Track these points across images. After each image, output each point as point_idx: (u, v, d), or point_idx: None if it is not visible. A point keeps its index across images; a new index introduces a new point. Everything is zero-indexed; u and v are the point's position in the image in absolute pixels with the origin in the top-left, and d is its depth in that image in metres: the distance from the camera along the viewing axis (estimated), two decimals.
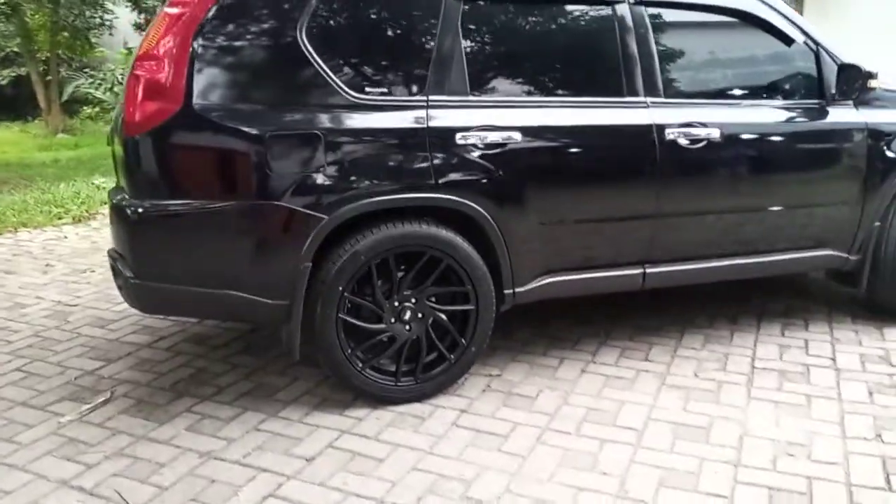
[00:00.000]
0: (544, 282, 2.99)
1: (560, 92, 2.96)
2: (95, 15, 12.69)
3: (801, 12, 7.75)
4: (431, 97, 2.71)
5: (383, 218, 2.69)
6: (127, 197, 2.62)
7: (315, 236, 2.58)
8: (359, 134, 2.64)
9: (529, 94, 2.93)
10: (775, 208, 3.27)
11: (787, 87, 3.31)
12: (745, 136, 3.15)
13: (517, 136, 2.79)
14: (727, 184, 3.18)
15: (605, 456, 2.50)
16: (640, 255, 3.11)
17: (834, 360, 3.23)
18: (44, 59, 14.40)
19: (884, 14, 8.59)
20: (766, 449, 2.54)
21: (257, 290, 2.62)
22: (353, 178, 2.62)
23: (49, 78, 13.47)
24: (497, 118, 2.78)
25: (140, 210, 2.55)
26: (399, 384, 2.83)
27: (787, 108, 3.28)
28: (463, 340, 2.88)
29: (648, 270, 3.13)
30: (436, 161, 2.70)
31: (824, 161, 3.34)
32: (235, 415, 2.79)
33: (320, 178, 2.58)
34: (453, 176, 2.73)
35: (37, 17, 14.14)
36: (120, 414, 2.81)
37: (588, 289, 3.13)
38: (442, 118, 2.71)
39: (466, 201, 2.74)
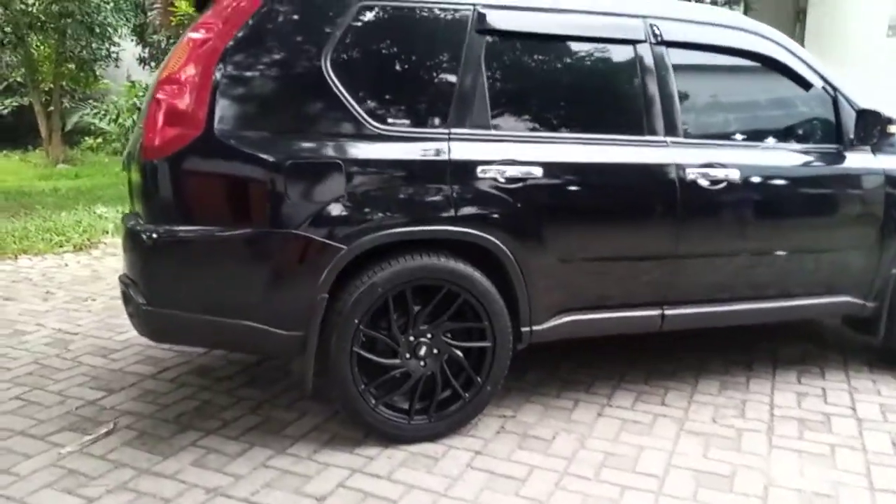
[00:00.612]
0: (562, 320, 2.93)
1: (580, 129, 2.94)
2: (102, 47, 12.77)
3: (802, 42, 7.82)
4: (453, 130, 2.69)
5: (402, 250, 2.64)
6: (142, 222, 2.57)
7: (333, 267, 2.53)
8: (379, 165, 2.61)
9: (550, 129, 2.92)
10: (792, 252, 3.23)
11: (804, 131, 3.31)
12: (763, 179, 3.13)
13: (537, 171, 2.76)
14: (745, 226, 3.15)
15: (627, 503, 2.41)
16: (658, 295, 3.06)
17: (854, 409, 3.16)
18: (47, 89, 14.48)
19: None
20: (792, 500, 2.45)
21: (271, 320, 2.55)
22: (372, 208, 2.58)
23: (51, 108, 13.50)
24: (518, 153, 2.75)
25: (155, 235, 2.49)
26: (412, 422, 2.75)
27: (805, 153, 3.27)
28: (478, 378, 2.81)
29: (667, 312, 3.07)
30: (456, 194, 2.66)
31: (841, 206, 3.32)
32: (242, 450, 2.70)
33: (339, 208, 2.53)
34: (473, 209, 2.69)
35: (42, 48, 14.26)
36: (123, 446, 2.71)
37: (606, 329, 3.07)
38: (463, 151, 2.68)
39: (486, 235, 2.69)
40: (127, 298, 2.67)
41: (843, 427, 2.98)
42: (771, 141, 3.26)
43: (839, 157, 3.27)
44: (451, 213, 2.66)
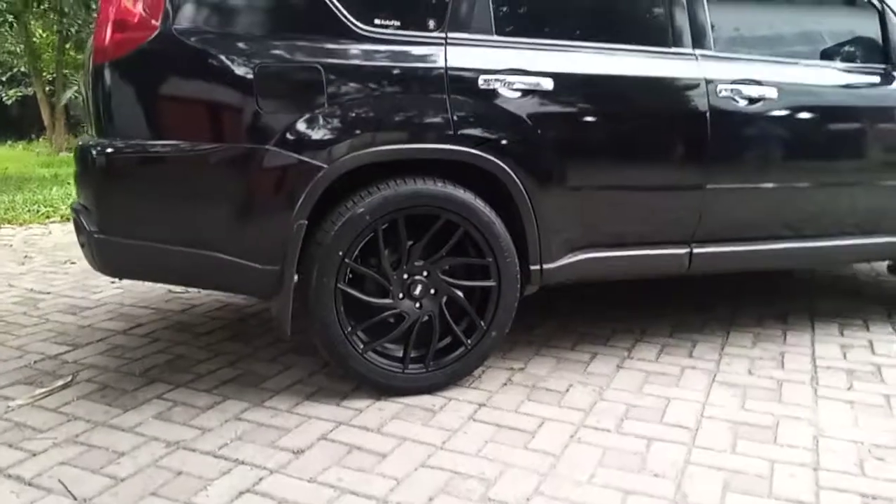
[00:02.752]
0: (576, 258, 2.58)
1: (597, 36, 2.57)
2: None
3: None
4: (451, 34, 2.35)
5: (392, 173, 2.31)
6: (93, 137, 2.25)
7: (311, 189, 2.19)
8: (365, 71, 2.27)
9: (562, 36, 2.54)
10: (834, 185, 2.87)
11: (849, 48, 2.93)
12: (803, 99, 2.77)
13: (547, 83, 2.41)
14: (783, 152, 2.78)
15: (655, 456, 2.07)
16: (686, 232, 2.70)
17: None
18: (50, 79, 14.28)
19: None
20: (849, 451, 2.10)
21: (242, 251, 2.22)
22: (357, 122, 2.24)
23: (55, 98, 13.31)
24: (526, 62, 2.41)
25: (106, 151, 2.17)
26: (407, 371, 2.41)
27: (850, 71, 2.90)
28: (482, 323, 2.47)
29: (696, 251, 2.72)
30: (454, 108, 2.32)
31: (890, 132, 2.94)
32: (213, 403, 2.38)
33: (318, 121, 2.20)
34: (474, 126, 2.35)
35: (44, 35, 14.04)
36: (80, 399, 2.40)
37: (626, 269, 2.72)
38: (462, 58, 2.34)
39: (488, 156, 2.35)
40: (78, 227, 2.35)
41: None
42: (812, 57, 2.89)
43: (888, 78, 2.90)
44: (450, 130, 2.32)
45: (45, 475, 1.92)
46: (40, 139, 15.36)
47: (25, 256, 4.49)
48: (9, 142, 15.56)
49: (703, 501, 1.84)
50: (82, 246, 2.38)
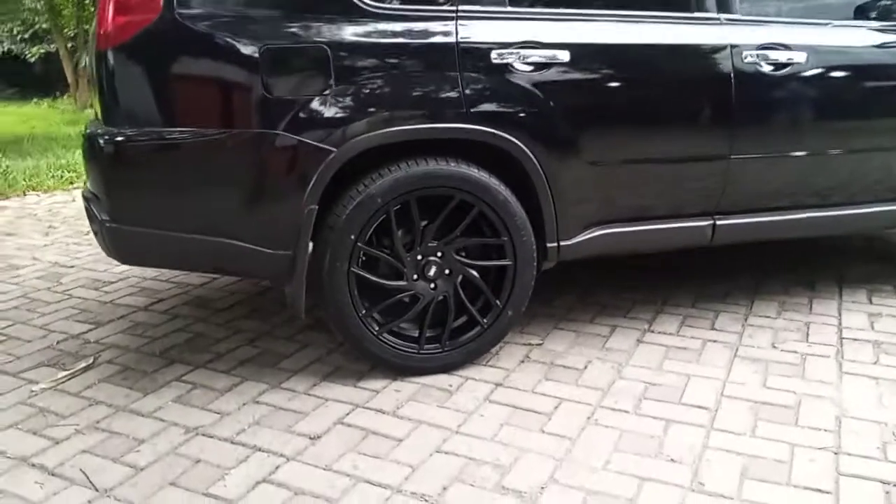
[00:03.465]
0: (595, 234, 2.52)
1: (616, 4, 2.46)
2: None
3: None
4: (462, 7, 2.26)
5: (404, 154, 2.25)
6: (101, 126, 2.22)
7: (321, 173, 2.15)
8: (374, 49, 2.20)
9: (579, 5, 2.43)
10: (867, 151, 2.76)
11: (883, 6, 2.77)
12: (834, 63, 2.64)
13: (564, 55, 2.32)
14: (812, 119, 2.67)
15: (672, 439, 2.05)
16: (709, 203, 2.63)
17: None
18: (72, 35, 14.22)
19: None
20: (872, 434, 2.06)
21: (255, 237, 2.21)
22: (366, 103, 2.18)
23: (77, 54, 13.27)
24: (541, 33, 2.31)
25: (115, 140, 2.14)
26: (422, 352, 2.40)
27: (884, 31, 2.74)
28: (497, 302, 2.44)
29: (719, 222, 2.65)
30: (467, 84, 2.25)
31: None
32: (232, 385, 2.40)
33: (327, 103, 2.15)
34: (488, 103, 2.28)
35: None
36: (101, 382, 2.43)
37: (646, 244, 2.66)
38: (474, 32, 2.26)
39: (503, 134, 2.28)
40: (90, 215, 2.34)
41: None
42: (844, 16, 2.74)
43: None
44: (462, 108, 2.25)
45: (68, 464, 1.96)
46: (65, 96, 15.41)
47: (49, 226, 4.54)
48: (34, 100, 15.64)
49: (720, 489, 1.82)
50: (95, 234, 2.38)
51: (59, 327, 2.90)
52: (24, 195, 5.47)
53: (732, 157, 2.57)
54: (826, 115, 2.68)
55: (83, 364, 2.55)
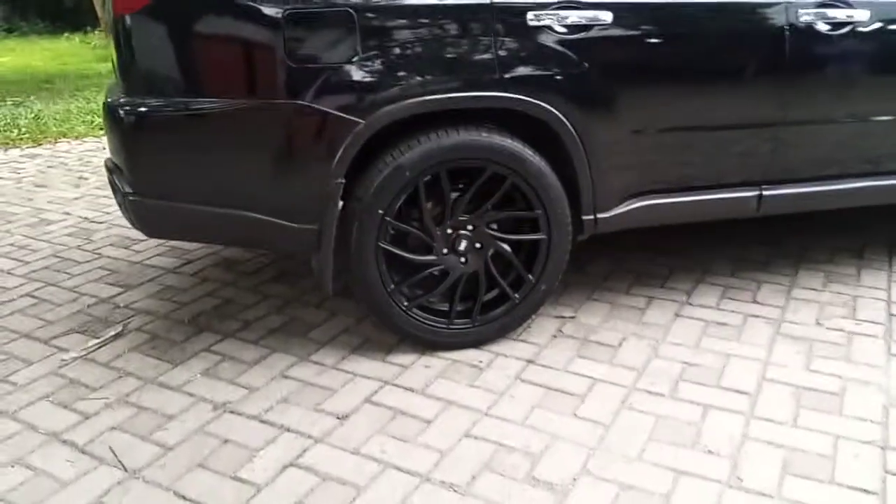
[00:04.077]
0: (634, 206, 2.41)
1: None
2: None
3: None
4: None
5: (434, 124, 2.15)
6: (122, 95, 2.14)
7: (349, 145, 2.06)
8: (402, 13, 2.07)
9: None
10: None
11: None
12: None
13: (606, 15, 2.17)
14: (874, 83, 2.49)
15: (710, 428, 1.98)
16: (756, 172, 2.49)
17: None
18: None
19: None
20: None
21: (279, 211, 2.14)
22: (395, 71, 2.07)
23: None
24: None
25: (135, 110, 2.07)
26: (452, 327, 2.35)
27: None
28: (530, 276, 2.36)
29: (766, 193, 2.51)
30: (501, 49, 2.11)
31: None
32: (261, 357, 2.37)
33: (353, 71, 2.04)
34: (523, 69, 2.14)
35: None
36: (130, 351, 2.43)
37: (688, 215, 2.55)
38: None
39: (540, 102, 2.16)
40: (114, 187, 2.29)
41: None
42: None
43: None
44: (496, 74, 2.12)
45: (97, 441, 1.97)
46: (96, 31, 15.29)
47: (80, 177, 4.53)
48: (65, 34, 15.54)
49: (759, 486, 1.76)
50: (119, 206, 2.33)
51: (90, 290, 2.90)
52: (56, 143, 5.45)
53: (783, 122, 2.42)
54: (888, 78, 2.49)
55: (112, 332, 2.55)
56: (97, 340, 2.49)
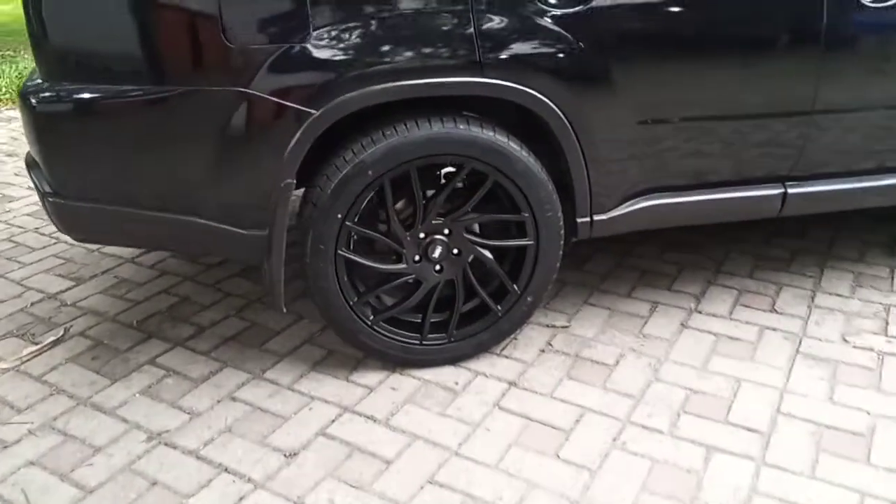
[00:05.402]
0: (637, 206, 2.10)
1: None
2: None
3: None
4: None
5: (401, 114, 1.83)
6: (38, 79, 1.84)
7: (300, 140, 1.75)
8: None
9: None
10: None
11: None
12: None
13: None
14: None
15: (713, 478, 1.70)
16: (781, 167, 2.15)
17: None
18: None
19: None
20: None
21: (223, 215, 1.85)
22: (354, 52, 1.74)
23: None
24: None
25: (50, 98, 1.77)
26: (425, 343, 2.07)
27: None
28: (515, 287, 2.06)
29: (791, 190, 2.18)
30: (482, 26, 1.78)
31: None
32: (210, 373, 2.11)
33: (304, 53, 1.71)
34: (508, 49, 1.81)
35: None
36: (68, 362, 2.18)
37: (699, 216, 2.23)
38: None
39: (527, 88, 1.83)
40: (35, 186, 2.00)
41: None
42: None
43: None
44: (475, 56, 1.79)
45: (9, 481, 1.73)
46: None
47: None
48: None
49: None
50: (42, 206, 2.04)
51: (38, 283, 2.65)
52: None
53: (817, 109, 2.07)
54: None
55: (53, 337, 2.30)
56: (34, 348, 2.24)
